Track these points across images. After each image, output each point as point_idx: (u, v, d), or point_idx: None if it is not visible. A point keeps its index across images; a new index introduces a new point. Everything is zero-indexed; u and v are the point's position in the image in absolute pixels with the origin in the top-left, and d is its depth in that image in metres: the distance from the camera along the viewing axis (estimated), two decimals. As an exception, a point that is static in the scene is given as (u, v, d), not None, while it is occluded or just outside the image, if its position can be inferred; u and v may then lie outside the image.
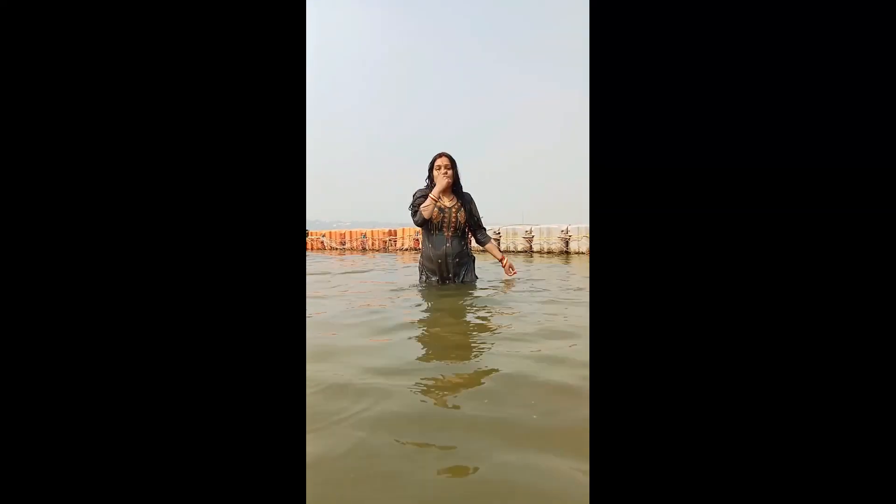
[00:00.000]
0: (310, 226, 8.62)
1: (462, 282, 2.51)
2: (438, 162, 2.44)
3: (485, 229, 2.67)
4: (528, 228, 5.80)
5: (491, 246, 2.67)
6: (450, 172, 2.43)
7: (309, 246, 7.84)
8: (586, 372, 0.97)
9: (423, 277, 2.56)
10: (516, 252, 5.75)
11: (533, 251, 5.67)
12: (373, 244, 7.38)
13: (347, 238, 7.64)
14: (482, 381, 1.02)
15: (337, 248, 7.57)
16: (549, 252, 5.53)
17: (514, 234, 5.89)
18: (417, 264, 2.68)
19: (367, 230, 7.56)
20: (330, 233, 7.87)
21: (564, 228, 5.46)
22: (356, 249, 7.39)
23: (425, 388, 0.98)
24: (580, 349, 1.26)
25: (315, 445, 0.71)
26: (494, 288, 2.46)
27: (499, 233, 6.01)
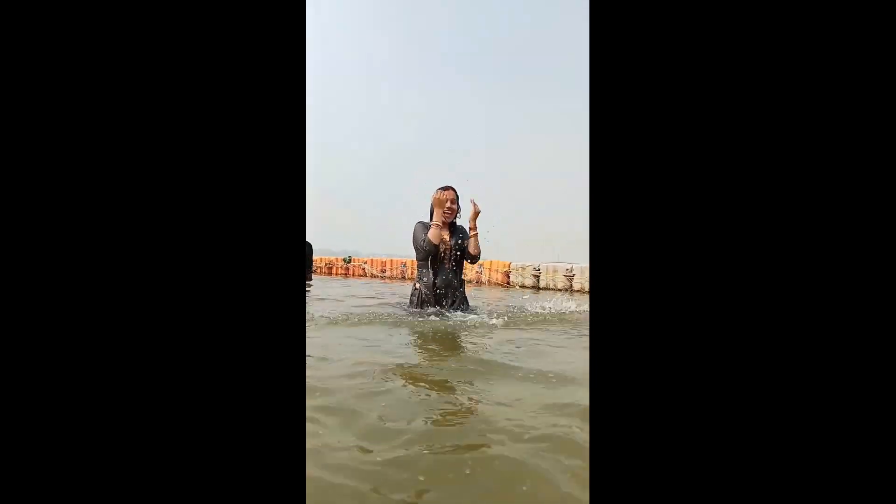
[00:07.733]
0: (353, 254, 8.98)
1: (460, 310, 2.49)
2: (444, 196, 2.45)
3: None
4: (568, 266, 5.73)
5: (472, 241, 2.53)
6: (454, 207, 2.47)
7: (351, 272, 8.11)
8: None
9: (416, 302, 2.54)
10: (555, 289, 5.67)
11: (574, 290, 5.57)
12: (412, 273, 7.50)
13: (388, 266, 7.81)
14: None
15: (378, 276, 7.73)
16: (589, 291, 5.42)
17: (554, 271, 5.83)
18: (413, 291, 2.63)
19: (408, 259, 7.71)
20: (371, 260, 8.10)
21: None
22: (396, 277, 7.52)
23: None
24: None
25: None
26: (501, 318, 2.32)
27: (538, 269, 5.97)
